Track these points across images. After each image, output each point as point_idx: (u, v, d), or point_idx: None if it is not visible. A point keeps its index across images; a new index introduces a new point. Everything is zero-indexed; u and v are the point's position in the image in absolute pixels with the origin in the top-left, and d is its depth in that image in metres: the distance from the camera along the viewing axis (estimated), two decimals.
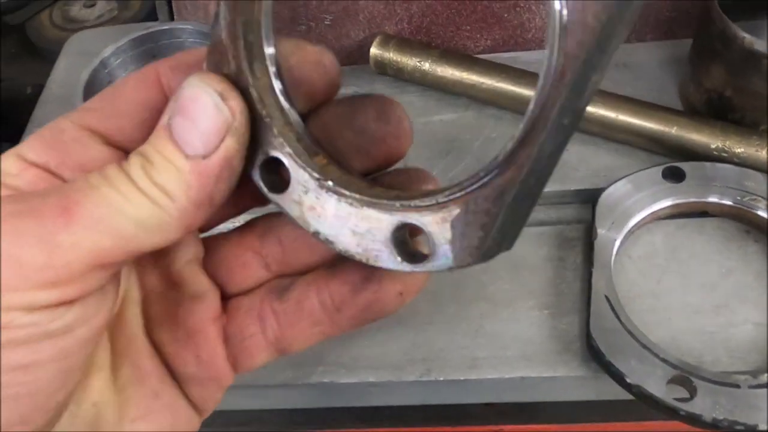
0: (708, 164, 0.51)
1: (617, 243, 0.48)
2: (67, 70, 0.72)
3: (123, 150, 0.28)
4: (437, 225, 0.23)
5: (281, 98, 0.27)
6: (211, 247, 0.33)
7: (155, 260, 0.32)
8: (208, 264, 0.32)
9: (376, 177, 0.28)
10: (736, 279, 0.48)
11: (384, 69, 0.63)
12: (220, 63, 0.26)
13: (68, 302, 0.23)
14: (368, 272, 0.28)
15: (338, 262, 0.29)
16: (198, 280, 0.32)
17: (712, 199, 0.50)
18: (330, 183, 0.26)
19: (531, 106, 0.20)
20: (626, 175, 0.51)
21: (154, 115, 0.26)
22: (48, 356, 0.23)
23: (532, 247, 0.51)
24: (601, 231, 0.49)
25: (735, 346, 0.45)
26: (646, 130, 0.54)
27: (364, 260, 0.26)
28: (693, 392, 0.41)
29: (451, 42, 0.65)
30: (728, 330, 0.46)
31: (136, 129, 0.27)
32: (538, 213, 0.55)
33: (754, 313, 0.46)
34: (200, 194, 0.25)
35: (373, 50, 0.62)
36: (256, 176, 0.27)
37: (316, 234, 0.27)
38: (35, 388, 0.23)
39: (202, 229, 0.33)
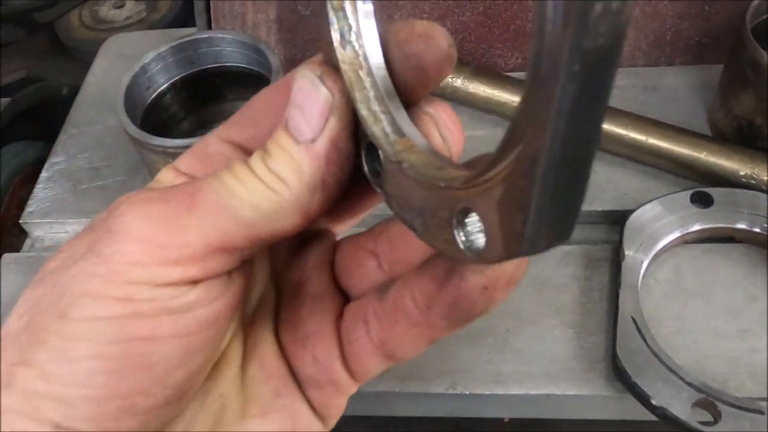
0: (737, 191, 0.51)
1: (644, 265, 0.49)
2: (104, 72, 0.73)
3: None
4: (487, 207, 0.21)
5: (372, 78, 0.26)
6: (339, 246, 0.33)
7: (291, 262, 0.33)
8: (335, 263, 0.33)
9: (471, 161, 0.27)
10: (761, 305, 0.49)
11: None
12: (329, 55, 0.27)
13: (190, 282, 0.25)
14: (452, 265, 0.27)
15: (431, 257, 0.28)
16: (323, 281, 0.32)
17: (740, 225, 0.50)
18: (404, 165, 0.25)
19: (530, 55, 0.17)
20: (655, 198, 0.52)
21: None
22: (167, 331, 0.24)
23: (559, 265, 0.52)
24: (628, 253, 0.49)
25: (759, 371, 0.46)
26: (675, 154, 0.54)
27: (438, 249, 0.25)
28: (717, 417, 0.42)
29: (483, 59, 0.66)
30: (752, 355, 0.46)
31: (269, 135, 0.28)
32: None
33: None
34: (312, 177, 0.26)
35: None
36: (362, 163, 0.27)
37: (404, 220, 0.26)
38: (154, 360, 0.24)
39: (336, 224, 0.34)
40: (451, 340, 0.49)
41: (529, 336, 0.49)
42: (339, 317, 0.31)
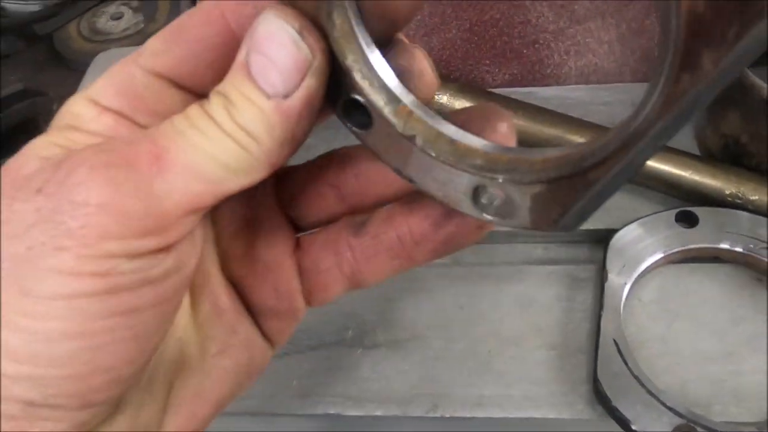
0: (722, 210, 0.51)
1: (627, 286, 0.49)
2: None
3: (194, 93, 0.27)
4: (518, 194, 0.24)
5: (359, 38, 0.25)
6: (285, 177, 0.33)
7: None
8: (282, 194, 0.33)
9: (451, 113, 0.28)
10: (746, 327, 0.48)
11: None
12: None
13: (166, 249, 0.24)
14: (449, 208, 0.28)
15: (415, 198, 0.29)
16: (273, 212, 0.32)
17: (724, 245, 0.50)
18: (412, 136, 0.26)
19: (636, 121, 0.20)
20: (639, 218, 0.51)
21: (224, 54, 0.26)
22: (148, 302, 0.24)
23: (543, 285, 0.52)
24: (611, 274, 0.49)
25: (743, 395, 0.45)
26: (661, 172, 0.54)
27: (444, 203, 0.27)
28: None
29: (470, 75, 0.66)
30: (737, 378, 0.46)
31: (208, 71, 0.26)
32: (549, 251, 0.55)
33: (764, 363, 0.46)
34: (284, 134, 0.25)
35: None
36: (339, 112, 0.27)
37: (398, 171, 0.27)
38: (138, 332, 0.24)
39: None
40: (433, 362, 0.49)
41: (510, 357, 0.48)
42: (295, 247, 0.32)
